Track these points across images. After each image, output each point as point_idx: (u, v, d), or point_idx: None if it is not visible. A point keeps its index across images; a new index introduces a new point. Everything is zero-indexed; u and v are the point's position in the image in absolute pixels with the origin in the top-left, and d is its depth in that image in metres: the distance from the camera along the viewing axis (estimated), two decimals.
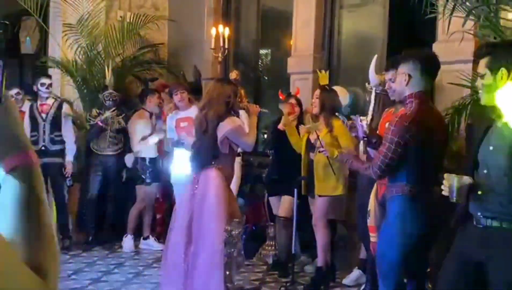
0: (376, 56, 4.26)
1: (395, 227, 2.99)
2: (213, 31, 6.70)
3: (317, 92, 4.94)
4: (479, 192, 2.51)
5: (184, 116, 5.55)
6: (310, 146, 4.87)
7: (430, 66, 3.03)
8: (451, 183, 2.54)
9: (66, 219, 6.04)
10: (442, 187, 2.61)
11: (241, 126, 4.24)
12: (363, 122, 3.35)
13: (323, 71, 5.03)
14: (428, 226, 2.99)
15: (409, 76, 2.99)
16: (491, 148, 2.51)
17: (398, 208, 2.99)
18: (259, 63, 7.56)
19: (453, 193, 2.54)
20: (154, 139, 5.92)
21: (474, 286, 2.54)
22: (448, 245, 2.79)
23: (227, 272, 4.12)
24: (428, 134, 2.93)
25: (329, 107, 4.73)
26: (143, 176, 6.02)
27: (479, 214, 2.51)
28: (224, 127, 4.02)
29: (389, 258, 3.03)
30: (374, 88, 4.17)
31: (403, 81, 3.02)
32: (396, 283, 3.04)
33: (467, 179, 2.55)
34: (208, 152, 4.06)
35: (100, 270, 5.33)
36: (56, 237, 0.92)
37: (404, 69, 3.03)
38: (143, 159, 6.04)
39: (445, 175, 2.61)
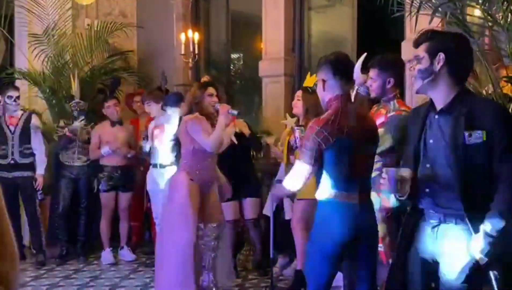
0: (365, 54, 3.94)
1: (320, 229, 2.91)
2: (183, 37, 6.65)
3: (299, 93, 4.90)
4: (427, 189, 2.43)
5: (157, 124, 5.53)
6: (292, 150, 4.83)
7: (341, 68, 2.95)
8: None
9: (39, 234, 5.89)
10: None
11: (203, 122, 4.09)
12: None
13: (313, 75, 5.05)
14: (352, 232, 2.86)
15: (323, 81, 2.94)
16: (431, 141, 2.43)
17: (323, 212, 2.91)
18: (231, 67, 7.53)
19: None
20: (105, 150, 5.84)
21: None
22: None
23: (212, 277, 4.09)
24: (346, 137, 2.78)
25: (313, 111, 4.67)
26: (100, 185, 5.95)
27: (431, 211, 2.44)
28: (185, 122, 4.08)
29: (313, 259, 2.94)
30: (356, 87, 4.03)
31: (320, 87, 2.97)
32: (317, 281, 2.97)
33: (406, 171, 2.43)
34: (174, 149, 4.17)
35: (75, 284, 5.20)
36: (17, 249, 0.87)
37: (319, 75, 2.98)
38: (99, 166, 5.99)
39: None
